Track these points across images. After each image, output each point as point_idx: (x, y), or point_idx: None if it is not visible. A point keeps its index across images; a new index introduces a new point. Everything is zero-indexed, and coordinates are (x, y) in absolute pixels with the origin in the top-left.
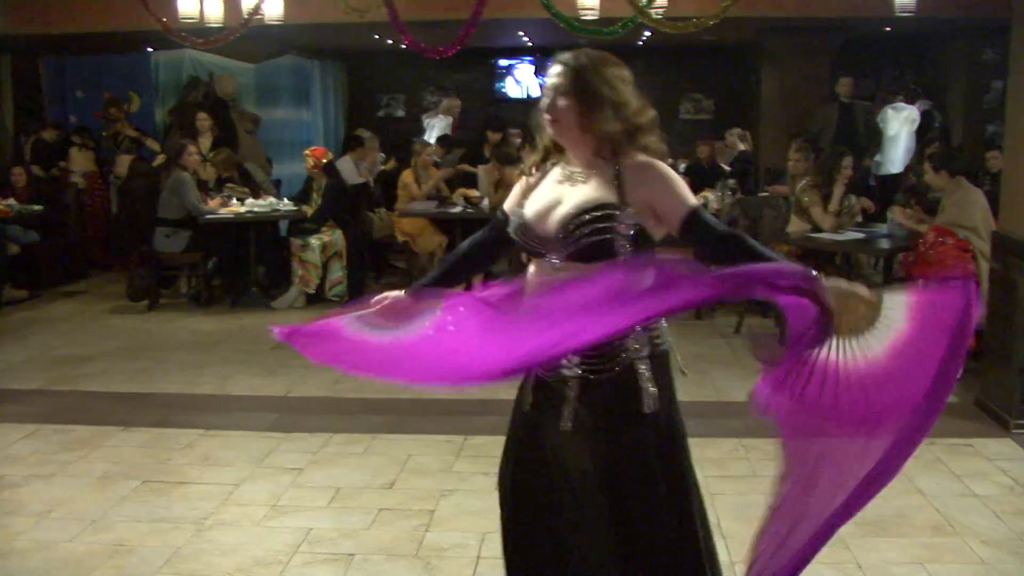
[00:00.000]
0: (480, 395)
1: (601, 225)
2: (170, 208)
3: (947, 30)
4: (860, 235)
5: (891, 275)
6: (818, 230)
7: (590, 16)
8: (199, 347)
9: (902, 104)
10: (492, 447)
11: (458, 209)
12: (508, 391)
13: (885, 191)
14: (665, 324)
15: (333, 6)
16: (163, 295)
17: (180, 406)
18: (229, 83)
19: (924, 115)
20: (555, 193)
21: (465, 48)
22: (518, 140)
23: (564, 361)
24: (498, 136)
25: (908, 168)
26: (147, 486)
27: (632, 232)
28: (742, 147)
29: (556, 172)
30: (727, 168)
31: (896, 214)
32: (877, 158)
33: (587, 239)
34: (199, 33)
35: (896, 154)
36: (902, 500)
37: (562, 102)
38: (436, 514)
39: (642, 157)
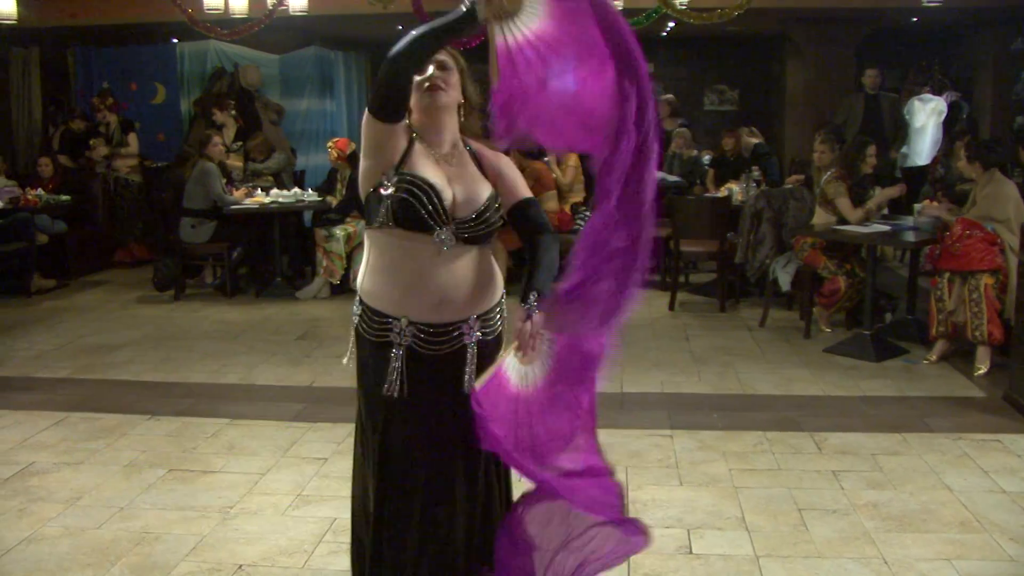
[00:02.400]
0: None
1: (496, 216)
2: (195, 198)
3: (975, 20)
4: (886, 228)
5: (917, 268)
6: (843, 222)
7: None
8: (224, 337)
9: (929, 95)
10: None
11: None
12: None
13: (911, 183)
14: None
15: None
16: (188, 285)
17: (206, 395)
18: (254, 74)
19: (951, 106)
20: (437, 172)
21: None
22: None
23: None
24: None
25: (935, 160)
26: (173, 474)
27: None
28: (755, 140)
29: (419, 148)
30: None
31: (929, 207)
32: (903, 150)
33: (485, 228)
34: (224, 24)
35: (923, 146)
36: (929, 495)
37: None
38: None
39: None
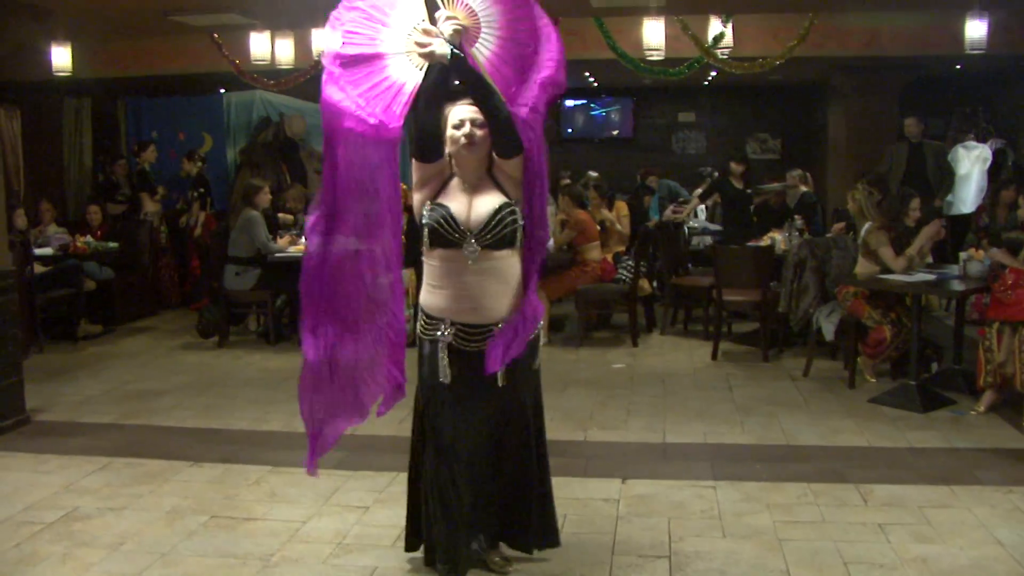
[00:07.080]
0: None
1: (509, 219)
2: (240, 246)
3: (1020, 66)
4: (931, 277)
5: (963, 317)
6: (887, 271)
7: (656, 56)
8: (267, 384)
9: (973, 143)
10: (555, 484)
11: None
12: (570, 432)
13: (956, 231)
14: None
15: None
16: (232, 332)
17: (248, 442)
18: (299, 123)
19: (997, 154)
20: (462, 198)
21: None
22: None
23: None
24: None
25: (981, 208)
26: (215, 521)
27: (523, 222)
28: (804, 189)
29: (455, 181)
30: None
31: (994, 255)
32: (948, 198)
33: (500, 232)
34: (270, 75)
35: (967, 194)
36: (980, 551)
37: (480, 131)
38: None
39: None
